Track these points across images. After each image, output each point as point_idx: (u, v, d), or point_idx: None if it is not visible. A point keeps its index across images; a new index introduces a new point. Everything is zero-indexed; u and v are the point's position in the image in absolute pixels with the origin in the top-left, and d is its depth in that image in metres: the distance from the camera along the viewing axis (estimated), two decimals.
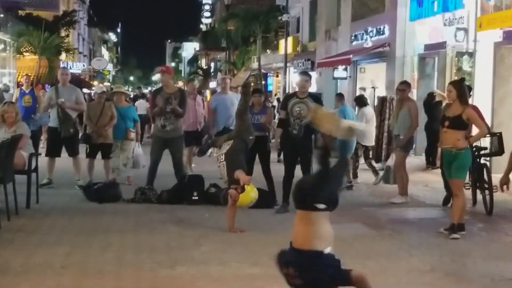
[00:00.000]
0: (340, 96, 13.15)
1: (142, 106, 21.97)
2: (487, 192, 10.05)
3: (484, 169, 10.26)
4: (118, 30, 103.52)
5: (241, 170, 8.17)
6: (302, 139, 9.66)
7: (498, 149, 10.22)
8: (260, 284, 5.87)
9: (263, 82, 35.64)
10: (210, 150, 17.53)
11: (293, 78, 29.53)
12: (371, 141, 13.34)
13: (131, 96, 28.26)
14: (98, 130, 11.83)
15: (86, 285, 5.90)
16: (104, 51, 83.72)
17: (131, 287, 5.86)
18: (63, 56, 39.69)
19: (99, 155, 12.02)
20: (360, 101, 13.50)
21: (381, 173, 13.08)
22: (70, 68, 29.99)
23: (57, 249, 7.16)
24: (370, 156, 13.42)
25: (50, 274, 6.22)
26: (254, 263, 6.62)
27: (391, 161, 11.77)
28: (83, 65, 50.64)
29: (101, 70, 43.60)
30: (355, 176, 12.83)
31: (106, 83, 42.75)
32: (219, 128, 11.81)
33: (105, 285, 5.89)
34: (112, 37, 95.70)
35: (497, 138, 10.25)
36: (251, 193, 8.06)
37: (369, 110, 13.42)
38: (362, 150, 13.04)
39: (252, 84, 34.35)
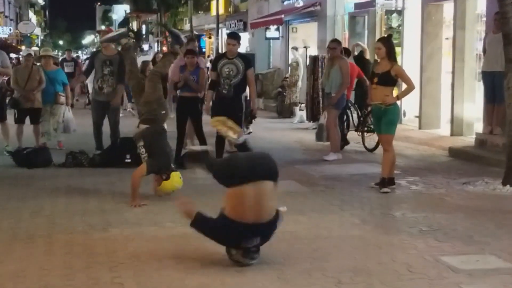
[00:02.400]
0: None
1: None
2: (367, 134, 12.11)
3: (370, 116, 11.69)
4: None
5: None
6: (232, 98, 9.66)
7: None
8: (194, 243, 5.89)
9: (196, 44, 35.30)
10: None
11: (226, 39, 29.33)
12: None
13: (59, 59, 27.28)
14: (26, 94, 11.53)
15: (16, 249, 5.80)
16: (31, 14, 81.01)
17: (63, 250, 5.79)
18: None
19: (28, 120, 11.75)
20: None
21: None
22: None
23: None
24: None
25: None
26: (187, 223, 6.61)
27: (323, 119, 11.88)
28: (10, 30, 48.96)
29: (28, 34, 42.35)
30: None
31: (35, 48, 41.48)
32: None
33: (36, 250, 5.80)
34: (40, 0, 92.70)
35: None
36: (174, 183, 7.74)
37: None
38: None
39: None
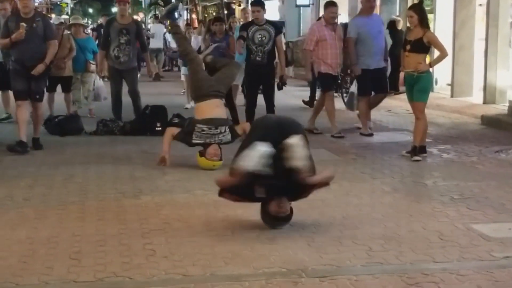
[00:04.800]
0: None
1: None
2: (345, 95, 12.91)
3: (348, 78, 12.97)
4: None
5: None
6: (266, 66, 9.62)
7: None
8: (225, 210, 5.91)
9: (226, 12, 35.07)
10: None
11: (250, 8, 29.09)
12: None
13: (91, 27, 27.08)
14: (57, 62, 11.55)
15: (49, 216, 5.87)
16: None
17: (95, 216, 5.85)
18: None
19: (59, 88, 11.84)
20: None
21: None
22: None
23: (19, 182, 7.13)
24: None
25: (13, 206, 6.20)
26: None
27: (354, 88, 11.77)
28: None
29: (58, 3, 42.54)
30: None
31: (65, 16, 41.65)
32: (367, 65, 10.04)
33: (68, 216, 5.86)
34: None
35: None
36: (210, 162, 7.71)
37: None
38: None
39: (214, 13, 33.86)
